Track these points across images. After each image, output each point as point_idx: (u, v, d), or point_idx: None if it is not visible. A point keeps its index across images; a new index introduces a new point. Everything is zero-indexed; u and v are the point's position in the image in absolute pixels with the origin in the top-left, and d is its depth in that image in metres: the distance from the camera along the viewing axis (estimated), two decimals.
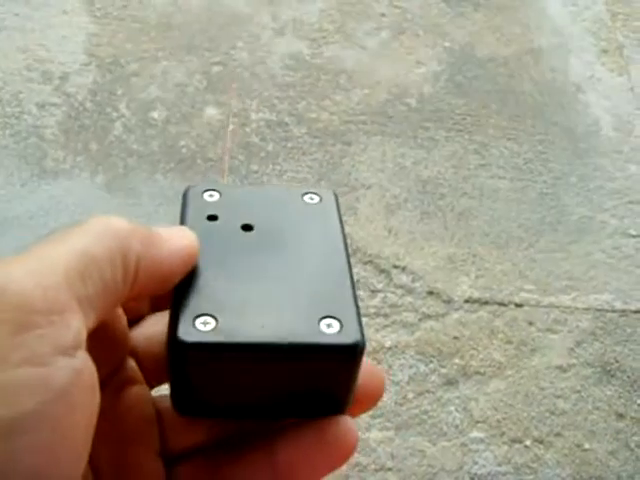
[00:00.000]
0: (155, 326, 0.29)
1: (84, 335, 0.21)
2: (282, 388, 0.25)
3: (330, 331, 0.24)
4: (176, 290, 0.25)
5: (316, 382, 0.25)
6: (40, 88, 1.36)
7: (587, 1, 1.72)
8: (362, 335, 0.24)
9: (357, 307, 0.26)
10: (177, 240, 0.26)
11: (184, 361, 0.24)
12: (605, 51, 1.63)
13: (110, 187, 1.27)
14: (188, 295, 0.25)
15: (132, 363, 0.28)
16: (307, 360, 0.24)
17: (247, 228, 0.28)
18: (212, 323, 0.24)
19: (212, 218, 0.29)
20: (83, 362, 0.20)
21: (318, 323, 0.24)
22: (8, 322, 0.19)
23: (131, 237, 0.24)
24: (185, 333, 0.23)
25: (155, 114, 1.37)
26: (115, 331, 0.26)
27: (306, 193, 0.31)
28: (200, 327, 0.23)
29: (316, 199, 0.31)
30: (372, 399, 0.28)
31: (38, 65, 1.39)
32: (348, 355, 0.24)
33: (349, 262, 0.27)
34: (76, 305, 0.21)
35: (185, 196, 0.30)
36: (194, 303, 0.24)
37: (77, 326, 0.20)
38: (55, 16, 1.46)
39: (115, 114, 1.36)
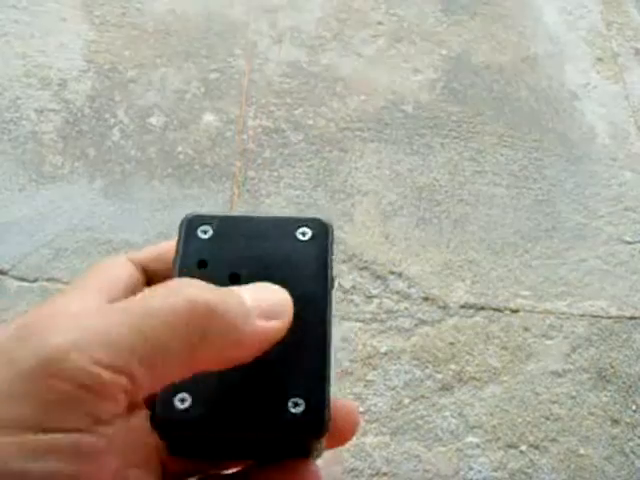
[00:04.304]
0: None
1: (125, 405, 0.23)
2: (252, 451, 0.28)
3: (296, 410, 0.26)
4: None
5: (286, 449, 0.27)
6: (39, 94, 1.37)
7: (582, 10, 1.74)
8: (324, 413, 0.26)
9: (326, 382, 0.27)
10: (263, 326, 0.26)
11: (161, 433, 0.27)
12: (600, 59, 1.64)
13: (108, 192, 1.28)
14: None
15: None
16: (274, 439, 0.27)
17: (234, 279, 0.29)
18: (188, 400, 0.26)
19: (202, 264, 0.30)
20: (118, 429, 0.23)
21: (286, 402, 0.26)
22: (60, 394, 0.22)
23: (210, 324, 0.24)
24: (163, 411, 0.26)
25: (153, 120, 1.38)
26: None
27: (300, 226, 0.30)
28: (178, 404, 0.26)
29: (309, 234, 0.30)
30: (346, 436, 0.30)
31: (37, 71, 1.40)
32: (311, 433, 0.26)
33: (330, 324, 0.28)
34: (128, 385, 0.23)
35: (181, 228, 0.31)
36: None
37: (123, 401, 0.23)
38: (54, 23, 1.47)
39: (113, 120, 1.36)
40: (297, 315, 0.27)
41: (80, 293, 0.27)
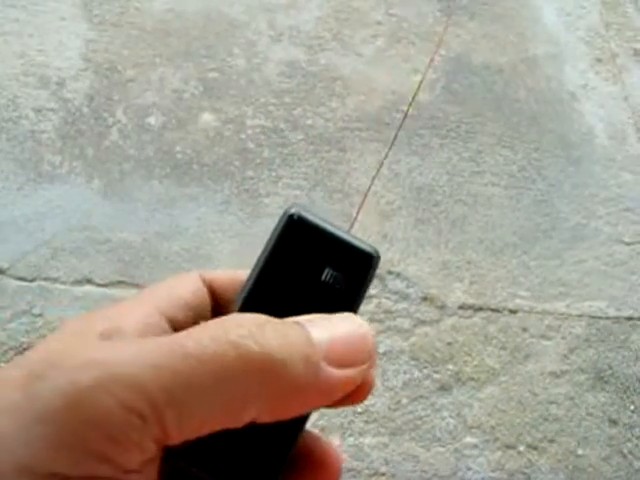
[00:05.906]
0: None
1: (155, 453, 0.20)
2: None
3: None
4: None
5: None
6: (37, 93, 1.37)
7: (581, 11, 1.74)
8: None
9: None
10: (332, 376, 0.21)
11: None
12: (599, 60, 1.64)
13: (106, 192, 1.28)
14: None
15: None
16: None
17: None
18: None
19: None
20: (147, 474, 0.20)
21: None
22: (86, 441, 0.19)
23: (266, 379, 0.20)
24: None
25: (151, 120, 1.38)
26: None
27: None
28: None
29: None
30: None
31: (35, 70, 1.40)
32: None
33: None
34: (160, 434, 0.20)
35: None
36: None
37: (153, 449, 0.20)
38: (53, 22, 1.47)
39: (111, 119, 1.36)
40: None
41: (135, 306, 0.25)
